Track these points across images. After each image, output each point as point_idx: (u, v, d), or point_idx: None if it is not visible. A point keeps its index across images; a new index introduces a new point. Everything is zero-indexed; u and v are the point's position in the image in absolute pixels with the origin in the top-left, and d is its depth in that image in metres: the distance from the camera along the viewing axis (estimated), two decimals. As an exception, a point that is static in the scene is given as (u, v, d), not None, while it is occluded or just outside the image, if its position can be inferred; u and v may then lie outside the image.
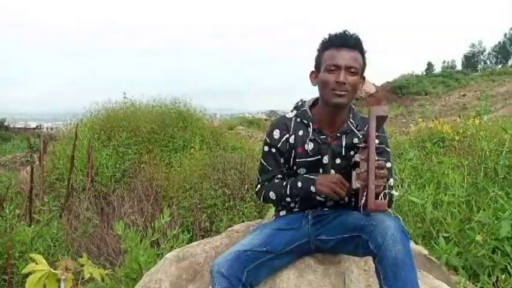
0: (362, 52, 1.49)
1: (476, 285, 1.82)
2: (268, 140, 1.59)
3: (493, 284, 1.83)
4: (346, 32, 1.47)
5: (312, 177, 1.49)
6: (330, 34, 1.50)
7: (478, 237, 1.93)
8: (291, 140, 1.56)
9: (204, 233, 3.91)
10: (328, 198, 1.55)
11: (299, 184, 1.50)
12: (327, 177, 1.47)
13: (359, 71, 1.47)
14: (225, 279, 1.29)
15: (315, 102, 1.61)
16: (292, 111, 1.63)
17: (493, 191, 2.26)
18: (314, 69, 1.55)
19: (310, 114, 1.56)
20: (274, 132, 1.58)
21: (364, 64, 1.50)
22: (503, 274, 1.83)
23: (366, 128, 1.40)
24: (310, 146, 1.53)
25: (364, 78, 1.53)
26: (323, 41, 1.51)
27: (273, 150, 1.58)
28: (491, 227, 2.00)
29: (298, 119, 1.58)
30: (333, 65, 1.44)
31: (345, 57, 1.44)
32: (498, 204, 2.18)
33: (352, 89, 1.45)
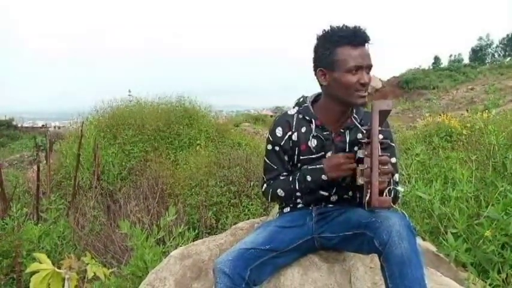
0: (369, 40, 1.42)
1: (486, 282, 1.79)
2: (271, 138, 1.57)
3: (503, 281, 1.80)
4: (357, 27, 1.39)
5: (317, 167, 1.46)
6: (337, 29, 1.40)
7: (487, 233, 1.90)
8: (294, 137, 1.54)
9: (210, 230, 3.91)
10: (332, 193, 1.54)
11: (308, 178, 1.47)
12: (333, 160, 1.43)
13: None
14: (227, 278, 1.28)
15: (317, 98, 1.58)
16: (294, 107, 1.60)
17: (502, 186, 2.22)
18: (323, 68, 1.44)
19: (312, 111, 1.53)
20: (277, 130, 1.55)
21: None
22: (513, 270, 1.80)
23: (369, 123, 1.37)
24: (313, 142, 1.51)
25: None
26: (332, 37, 1.40)
27: (277, 148, 1.56)
28: (501, 223, 1.97)
29: (301, 116, 1.55)
30: (355, 67, 1.38)
31: (364, 56, 1.38)
32: (507, 199, 2.14)
33: (368, 86, 1.43)
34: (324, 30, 1.43)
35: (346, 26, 1.39)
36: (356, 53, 1.37)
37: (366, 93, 1.41)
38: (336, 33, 1.39)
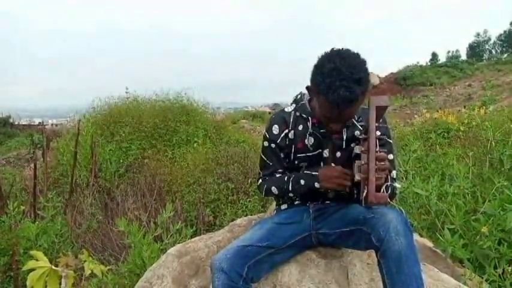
0: (363, 92, 1.26)
1: (482, 278, 1.79)
2: (267, 135, 1.57)
3: (499, 276, 1.80)
4: (346, 94, 1.21)
5: (313, 173, 1.47)
6: (327, 77, 1.23)
7: (484, 229, 1.90)
8: (291, 135, 1.54)
9: (208, 227, 3.91)
10: (330, 191, 1.53)
11: (302, 182, 1.48)
12: (329, 171, 1.44)
13: (356, 114, 1.39)
14: (225, 275, 1.27)
15: None
16: (291, 104, 1.60)
17: (499, 182, 2.22)
18: (310, 86, 1.36)
19: (309, 108, 1.53)
20: (274, 128, 1.55)
21: (366, 95, 1.29)
22: (509, 266, 1.80)
23: (366, 119, 1.36)
24: (310, 140, 1.51)
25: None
26: (319, 82, 1.26)
27: (273, 145, 1.56)
28: (497, 218, 1.97)
29: (297, 113, 1.55)
30: (327, 117, 1.35)
31: (341, 115, 1.30)
32: (504, 195, 2.15)
33: (347, 122, 1.43)
34: (323, 60, 1.28)
35: (338, 79, 1.21)
36: (334, 112, 1.29)
37: (340, 128, 1.42)
38: (321, 84, 1.25)
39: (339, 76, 1.21)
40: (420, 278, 1.21)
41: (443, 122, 6.07)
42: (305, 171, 1.51)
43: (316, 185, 1.45)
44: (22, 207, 3.55)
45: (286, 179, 1.53)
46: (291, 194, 1.54)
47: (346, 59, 1.24)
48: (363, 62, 1.27)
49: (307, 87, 1.41)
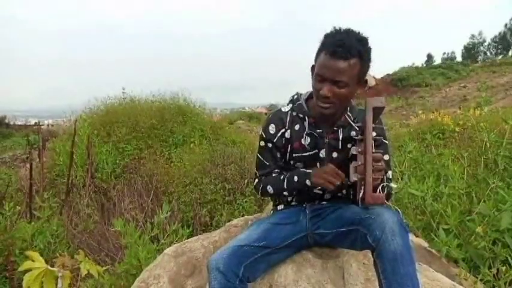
0: (361, 58, 1.33)
1: (477, 278, 1.81)
2: (264, 135, 1.57)
3: (494, 276, 1.82)
4: (343, 39, 1.30)
5: (307, 171, 1.48)
6: (330, 32, 1.36)
7: (479, 229, 1.92)
8: (287, 134, 1.54)
9: (205, 227, 3.91)
10: (326, 191, 1.54)
11: (295, 178, 1.49)
12: (321, 169, 1.45)
13: (349, 83, 1.34)
14: (221, 275, 1.28)
15: (311, 95, 1.58)
16: (288, 104, 1.60)
17: (494, 182, 2.24)
18: (314, 64, 1.44)
19: (306, 108, 1.54)
20: (270, 127, 1.56)
21: (362, 71, 1.36)
22: (503, 266, 1.82)
23: (362, 120, 1.37)
24: (306, 140, 1.51)
25: (364, 82, 1.42)
26: (323, 39, 1.38)
27: (269, 145, 1.57)
28: (492, 219, 1.99)
29: (294, 113, 1.55)
30: (318, 75, 1.36)
31: (333, 68, 1.31)
32: (498, 195, 2.17)
33: (339, 101, 1.39)
34: (331, 28, 1.39)
35: (337, 37, 1.33)
36: (326, 63, 1.33)
37: (328, 105, 1.39)
38: (325, 41, 1.37)
39: (344, 32, 1.35)
40: (416, 278, 1.21)
41: (439, 123, 6.11)
42: (300, 169, 1.51)
43: (308, 182, 1.45)
44: (18, 208, 3.53)
45: (282, 177, 1.54)
46: (285, 193, 1.55)
47: (354, 30, 1.36)
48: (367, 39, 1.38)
49: (312, 67, 1.44)
